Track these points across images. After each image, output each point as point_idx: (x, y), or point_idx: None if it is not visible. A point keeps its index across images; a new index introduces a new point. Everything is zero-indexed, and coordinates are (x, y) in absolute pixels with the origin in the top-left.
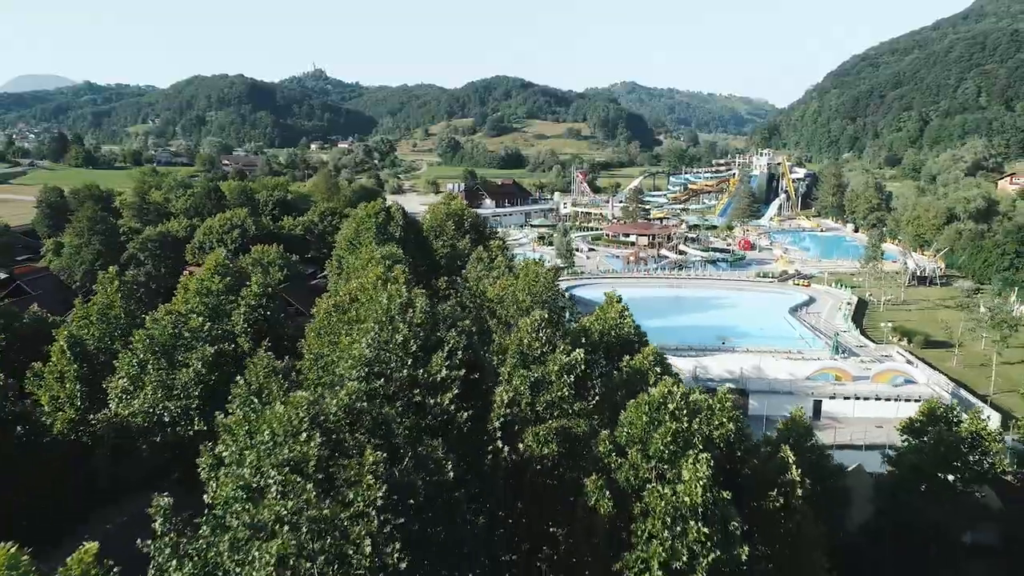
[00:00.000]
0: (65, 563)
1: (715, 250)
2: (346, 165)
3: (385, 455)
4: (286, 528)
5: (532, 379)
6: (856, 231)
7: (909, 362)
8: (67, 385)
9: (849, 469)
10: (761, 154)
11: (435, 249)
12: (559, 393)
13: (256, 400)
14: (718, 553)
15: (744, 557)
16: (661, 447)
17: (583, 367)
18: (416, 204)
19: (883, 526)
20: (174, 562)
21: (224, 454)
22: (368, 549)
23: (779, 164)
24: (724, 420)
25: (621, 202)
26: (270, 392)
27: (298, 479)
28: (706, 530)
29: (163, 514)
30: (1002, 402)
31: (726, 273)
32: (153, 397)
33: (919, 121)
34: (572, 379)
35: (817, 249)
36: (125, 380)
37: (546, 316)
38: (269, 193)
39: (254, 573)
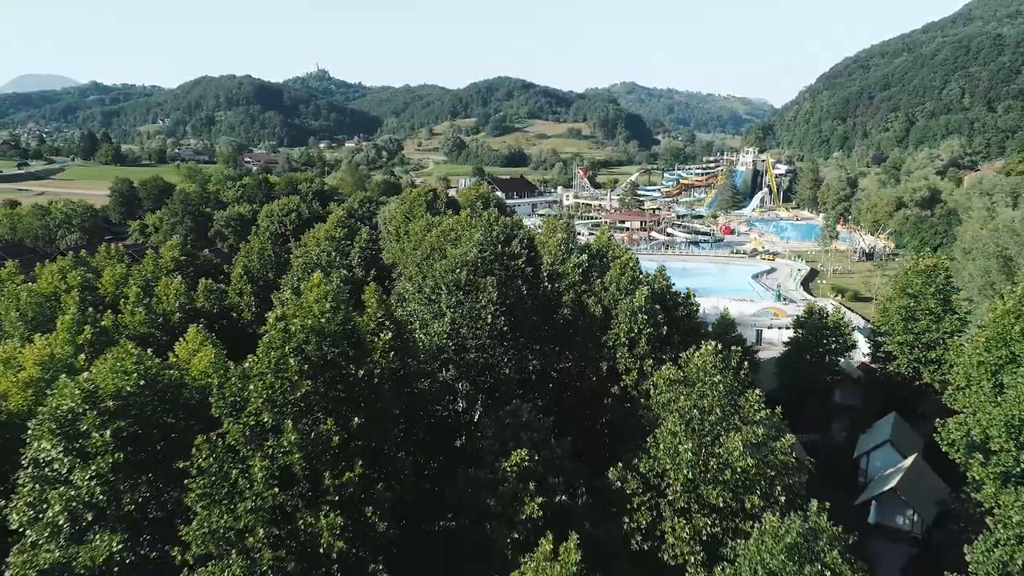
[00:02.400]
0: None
1: (698, 233)
2: (360, 162)
3: (494, 280)
4: (451, 310)
5: (556, 272)
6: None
7: (836, 308)
8: (245, 297)
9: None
10: (747, 152)
11: None
12: (572, 279)
13: (424, 262)
14: (651, 330)
15: (664, 333)
16: (625, 283)
17: (586, 264)
18: None
19: (783, 394)
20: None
21: (408, 289)
22: (490, 319)
23: (763, 161)
24: (661, 281)
25: (619, 196)
26: (432, 257)
27: (456, 288)
28: (645, 318)
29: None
30: None
31: (707, 251)
32: (270, 324)
33: (906, 121)
34: (580, 271)
35: (794, 235)
36: (288, 291)
37: (565, 237)
38: (308, 184)
39: (437, 330)
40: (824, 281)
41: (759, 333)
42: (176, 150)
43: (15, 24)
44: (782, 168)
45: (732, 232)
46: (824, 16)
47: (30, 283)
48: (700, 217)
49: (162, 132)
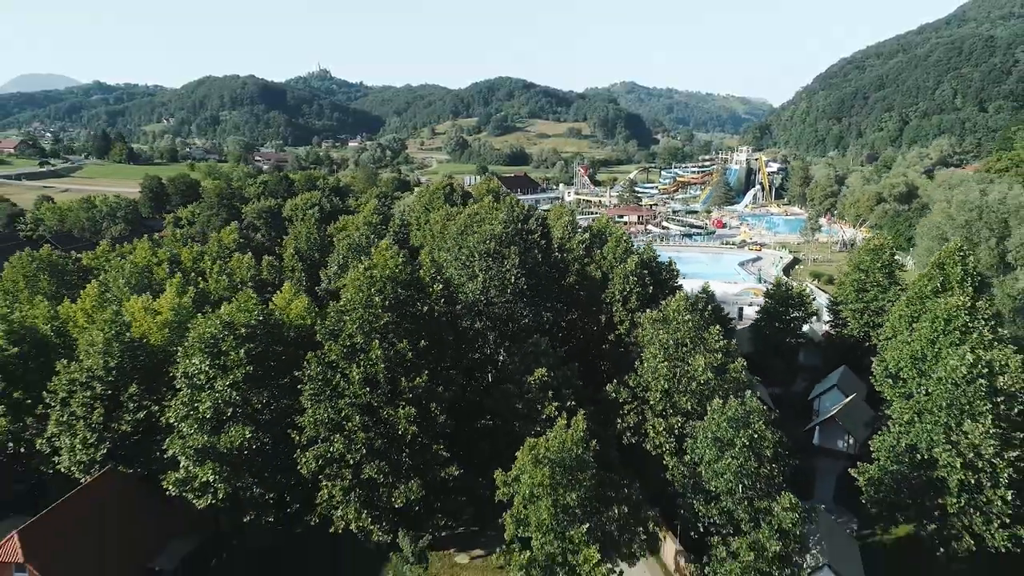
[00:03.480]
0: None
1: (691, 226)
2: (367, 161)
3: (516, 249)
4: (483, 272)
5: (564, 246)
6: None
7: (800, 283)
8: (296, 273)
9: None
10: (741, 151)
11: None
12: (577, 252)
13: (459, 236)
14: (640, 289)
15: (650, 292)
16: (620, 253)
17: (588, 241)
18: None
19: (756, 356)
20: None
21: (444, 257)
22: (513, 279)
23: (756, 160)
24: (649, 252)
25: (617, 193)
26: (465, 233)
27: (486, 255)
28: (635, 279)
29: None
30: None
31: (699, 242)
32: (355, 274)
33: (899, 121)
34: (583, 246)
35: (784, 229)
36: (335, 267)
37: (570, 219)
38: (325, 181)
39: (471, 288)
40: (803, 267)
41: (741, 310)
42: (186, 149)
43: (15, 24)
44: (775, 167)
45: (724, 226)
46: (824, 16)
47: (130, 255)
48: (694, 212)
49: (168, 131)
